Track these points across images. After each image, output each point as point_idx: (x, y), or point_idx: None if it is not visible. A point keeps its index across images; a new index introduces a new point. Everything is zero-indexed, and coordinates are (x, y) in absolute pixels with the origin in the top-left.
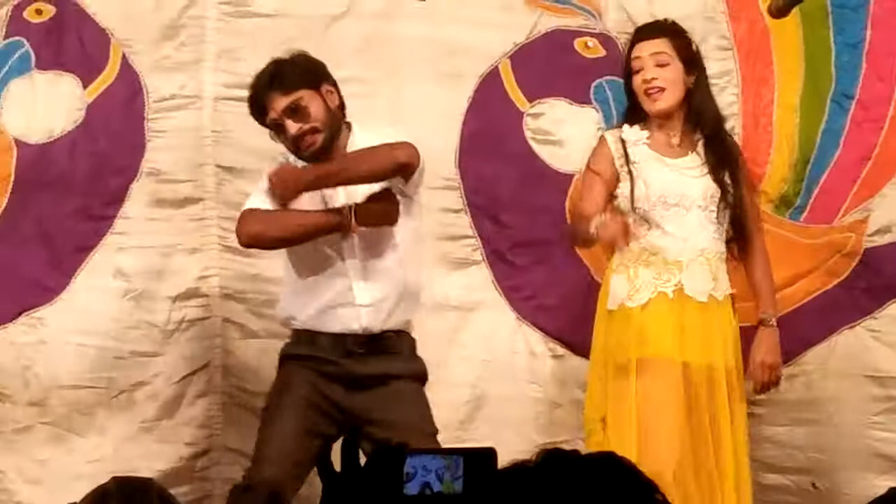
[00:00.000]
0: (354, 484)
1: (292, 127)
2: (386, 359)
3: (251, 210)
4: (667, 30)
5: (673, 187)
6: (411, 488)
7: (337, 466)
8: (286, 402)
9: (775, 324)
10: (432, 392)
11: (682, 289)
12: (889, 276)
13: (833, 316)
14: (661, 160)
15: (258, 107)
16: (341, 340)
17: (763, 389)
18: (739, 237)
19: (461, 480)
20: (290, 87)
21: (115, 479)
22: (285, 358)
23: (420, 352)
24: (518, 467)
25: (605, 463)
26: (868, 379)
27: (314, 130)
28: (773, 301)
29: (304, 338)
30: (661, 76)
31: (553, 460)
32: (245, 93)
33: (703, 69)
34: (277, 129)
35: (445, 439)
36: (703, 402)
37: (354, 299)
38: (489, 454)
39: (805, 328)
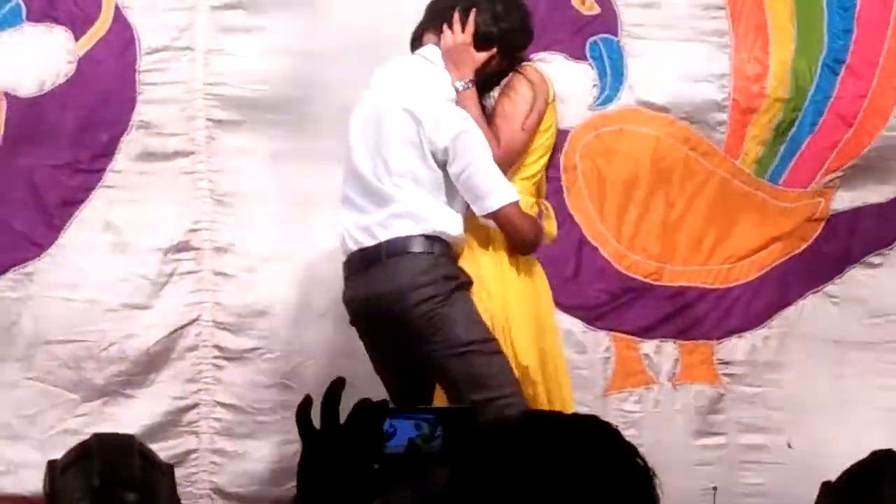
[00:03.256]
0: (334, 442)
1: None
2: None
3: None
4: None
5: None
6: (391, 446)
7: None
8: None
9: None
10: None
11: None
12: (849, 242)
13: (800, 280)
14: None
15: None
16: None
17: None
18: None
19: (440, 439)
20: None
21: (96, 435)
22: (463, 284)
23: None
24: (499, 425)
25: (586, 425)
26: (832, 343)
27: None
28: None
29: (455, 256)
30: None
31: (535, 419)
32: (236, 47)
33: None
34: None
35: None
36: None
37: None
38: (468, 412)
39: (775, 291)
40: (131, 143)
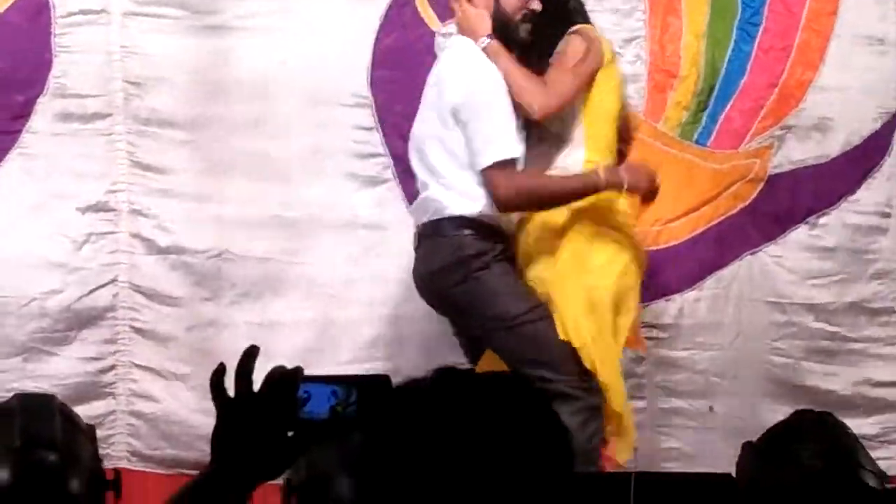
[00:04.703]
0: (248, 409)
1: (537, 4)
2: None
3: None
4: None
5: None
6: (306, 412)
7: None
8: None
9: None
10: (343, 311)
11: None
12: (792, 202)
13: (736, 241)
14: None
15: None
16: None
17: None
18: None
19: (355, 407)
20: None
21: (17, 395)
22: (496, 257)
23: (330, 271)
24: (411, 386)
25: (499, 380)
26: (769, 304)
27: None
28: None
29: (489, 230)
30: None
31: (446, 377)
32: (154, 9)
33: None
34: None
35: (357, 359)
36: None
37: None
38: (384, 381)
39: (708, 253)
40: (48, 104)
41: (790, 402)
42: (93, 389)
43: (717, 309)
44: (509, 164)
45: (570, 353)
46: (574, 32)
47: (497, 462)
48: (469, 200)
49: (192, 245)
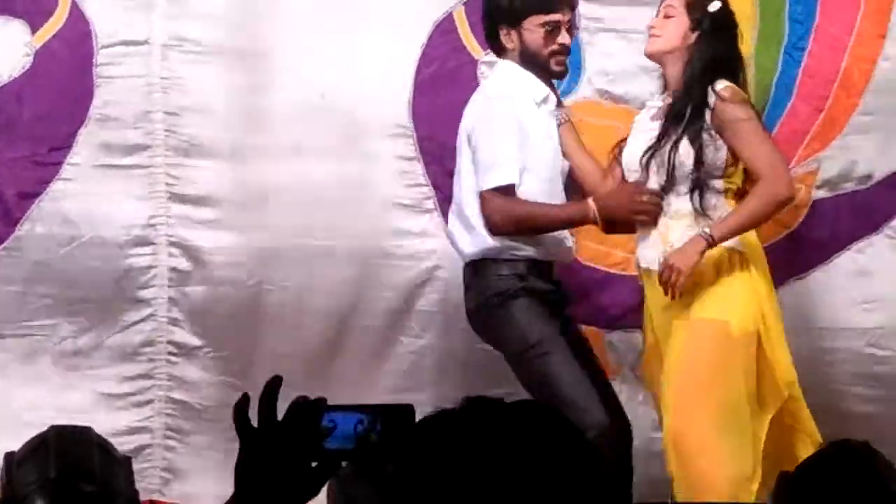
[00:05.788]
0: (271, 439)
1: (566, 38)
2: None
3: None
4: None
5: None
6: (330, 443)
7: (254, 422)
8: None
9: (709, 236)
10: (389, 344)
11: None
12: (836, 228)
13: (781, 267)
14: None
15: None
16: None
17: (662, 285)
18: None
19: (379, 436)
20: (576, 5)
21: (53, 427)
22: (523, 291)
23: (374, 300)
24: (440, 414)
25: (528, 410)
26: (817, 331)
27: (568, 52)
28: (727, 225)
29: (536, 269)
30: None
31: (476, 407)
32: (195, 39)
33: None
34: (549, 31)
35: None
36: None
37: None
38: (407, 410)
39: None
40: (89, 136)
41: (838, 429)
42: (127, 425)
43: None
44: (508, 190)
45: (581, 393)
46: (726, 100)
47: (530, 492)
48: (468, 247)
49: (231, 275)
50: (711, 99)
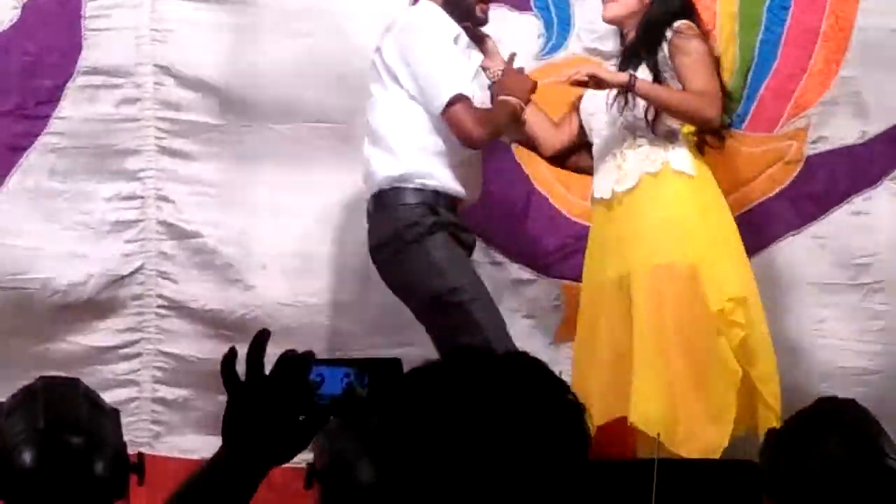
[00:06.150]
0: (259, 392)
1: None
2: None
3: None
4: None
5: None
6: (318, 397)
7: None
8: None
9: (634, 78)
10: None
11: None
12: (831, 182)
13: (776, 223)
14: None
15: None
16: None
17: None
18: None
19: (366, 389)
20: None
21: (41, 378)
22: (438, 225)
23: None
24: (426, 367)
25: (514, 360)
26: (811, 286)
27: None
28: (653, 87)
29: (445, 203)
30: None
31: (461, 358)
32: None
33: None
34: None
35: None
36: None
37: None
38: (395, 364)
39: (747, 236)
40: (77, 89)
41: (834, 384)
42: (115, 377)
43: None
44: (465, 99)
45: (509, 345)
46: (682, 33)
47: (515, 442)
48: (379, 178)
49: (218, 231)
50: (668, 34)
